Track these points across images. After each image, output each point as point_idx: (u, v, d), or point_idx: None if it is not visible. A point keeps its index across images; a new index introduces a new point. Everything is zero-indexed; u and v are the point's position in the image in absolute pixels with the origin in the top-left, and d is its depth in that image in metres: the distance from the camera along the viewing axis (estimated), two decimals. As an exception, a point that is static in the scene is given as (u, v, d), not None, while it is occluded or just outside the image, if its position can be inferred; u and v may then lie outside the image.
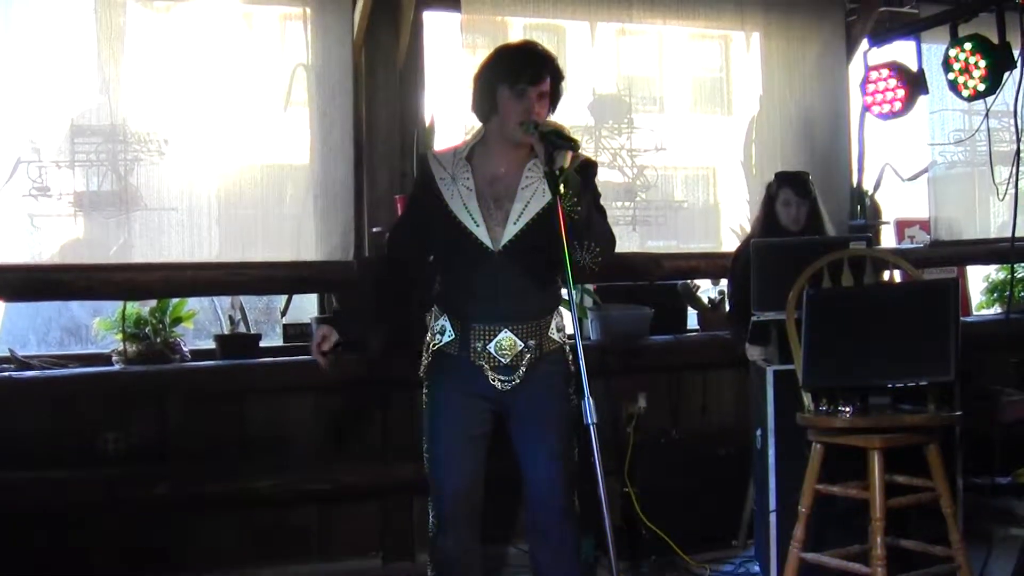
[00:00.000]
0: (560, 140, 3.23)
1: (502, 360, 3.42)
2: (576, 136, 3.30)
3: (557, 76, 3.44)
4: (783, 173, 5.30)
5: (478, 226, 3.40)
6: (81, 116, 4.96)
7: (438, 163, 3.51)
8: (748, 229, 5.55)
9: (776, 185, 5.20)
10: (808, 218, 5.11)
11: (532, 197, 3.41)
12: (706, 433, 5.65)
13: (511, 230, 3.40)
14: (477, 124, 3.59)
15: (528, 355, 3.43)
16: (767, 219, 5.18)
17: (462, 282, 3.47)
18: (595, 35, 5.95)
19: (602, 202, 3.54)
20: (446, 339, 3.49)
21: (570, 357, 3.52)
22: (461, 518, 3.49)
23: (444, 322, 3.50)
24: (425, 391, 3.58)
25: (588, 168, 3.45)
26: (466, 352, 3.44)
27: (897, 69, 5.57)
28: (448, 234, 3.45)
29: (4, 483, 4.63)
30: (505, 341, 3.42)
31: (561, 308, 3.60)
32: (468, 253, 3.42)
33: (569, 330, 3.62)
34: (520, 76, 3.35)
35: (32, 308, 5.29)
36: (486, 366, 3.43)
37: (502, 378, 3.43)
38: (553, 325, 3.50)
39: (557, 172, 3.17)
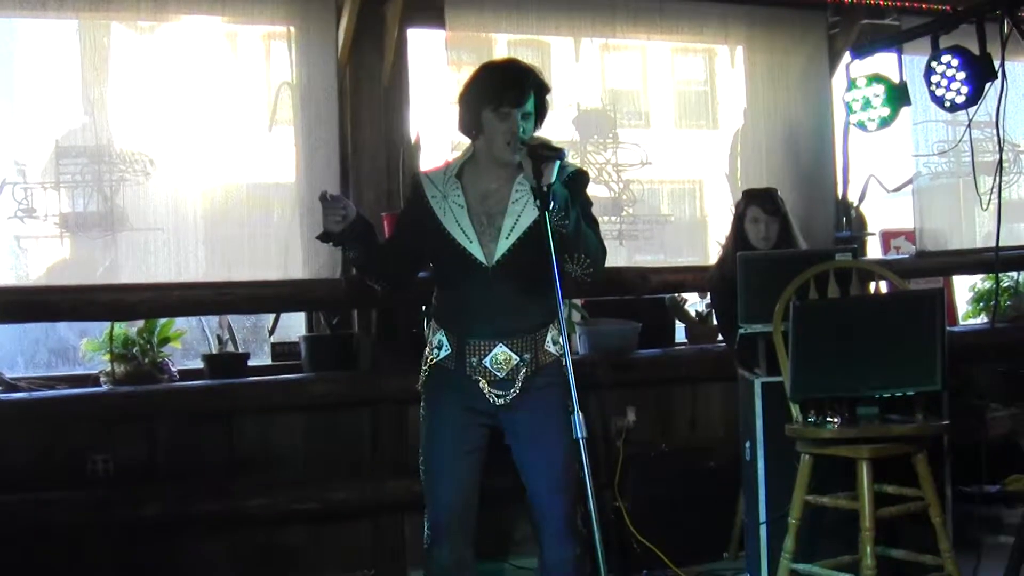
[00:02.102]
0: (547, 152, 3.24)
1: (498, 374, 3.43)
2: (560, 146, 3.31)
3: (542, 90, 3.45)
4: (750, 190, 5.32)
5: (471, 242, 3.42)
6: (66, 137, 4.96)
7: (430, 182, 3.52)
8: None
9: (744, 203, 5.21)
10: (779, 235, 5.12)
11: (523, 211, 3.43)
12: (696, 446, 5.65)
13: (503, 245, 3.42)
14: (463, 140, 3.60)
15: (524, 369, 3.44)
16: (736, 238, 5.18)
17: (457, 297, 3.49)
18: (579, 50, 5.98)
19: (589, 216, 3.56)
20: (443, 354, 3.50)
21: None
22: (455, 530, 3.50)
23: (440, 337, 3.51)
24: (422, 404, 3.58)
25: (579, 177, 3.47)
26: (462, 367, 3.45)
27: (880, 81, 5.60)
28: (443, 251, 3.47)
29: (-7, 506, 4.62)
30: (500, 355, 3.43)
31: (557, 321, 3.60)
32: (463, 269, 3.44)
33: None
34: (503, 99, 3.36)
35: (19, 330, 5.27)
36: (482, 380, 3.44)
37: (499, 392, 3.44)
38: (549, 338, 3.50)
39: (544, 188, 3.19)
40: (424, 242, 3.53)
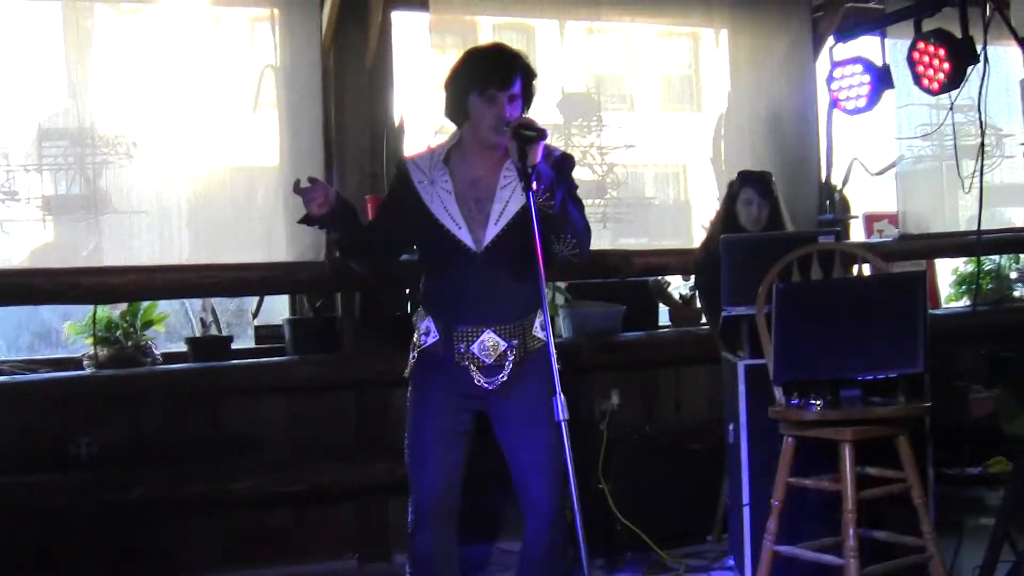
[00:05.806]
0: (529, 132, 3.24)
1: (486, 360, 3.43)
2: (544, 127, 3.31)
3: (529, 75, 3.44)
4: (746, 172, 5.31)
5: (460, 228, 3.41)
6: (49, 119, 4.94)
7: (416, 167, 3.50)
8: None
9: (739, 183, 5.21)
10: (768, 219, 5.13)
11: (511, 197, 3.42)
12: (679, 428, 5.67)
13: (492, 231, 3.41)
14: (447, 124, 3.59)
15: (511, 355, 3.44)
16: (726, 218, 5.19)
17: (445, 284, 3.48)
18: (564, 34, 5.97)
19: (573, 200, 3.56)
20: (431, 340, 3.49)
21: (555, 354, 3.52)
22: (438, 513, 3.50)
23: (428, 323, 3.50)
24: (409, 389, 3.58)
25: (565, 162, 3.47)
26: (450, 353, 3.45)
27: (863, 64, 5.60)
28: (431, 237, 3.45)
29: (-24, 489, 4.61)
30: (488, 342, 3.43)
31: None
32: (451, 255, 3.43)
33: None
34: (489, 82, 3.35)
35: (1, 313, 5.26)
36: (471, 366, 3.43)
37: (487, 378, 3.44)
38: (536, 323, 3.49)
39: (529, 169, 3.19)
40: (408, 227, 3.52)
